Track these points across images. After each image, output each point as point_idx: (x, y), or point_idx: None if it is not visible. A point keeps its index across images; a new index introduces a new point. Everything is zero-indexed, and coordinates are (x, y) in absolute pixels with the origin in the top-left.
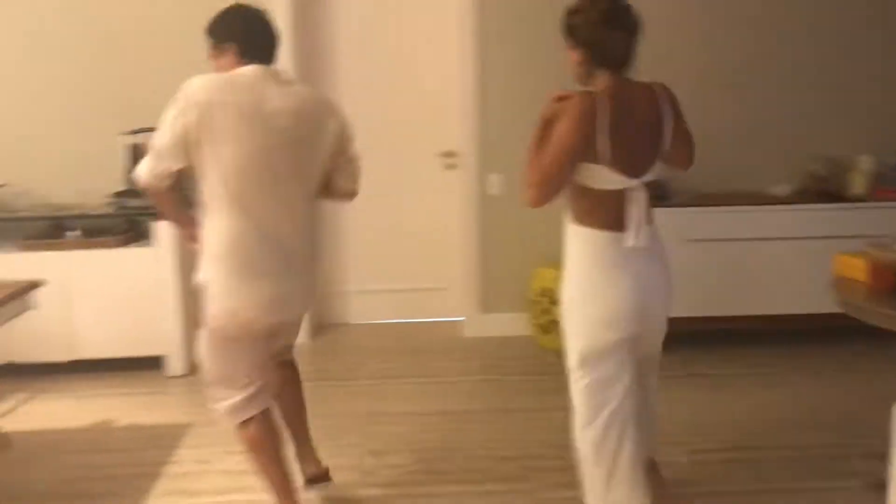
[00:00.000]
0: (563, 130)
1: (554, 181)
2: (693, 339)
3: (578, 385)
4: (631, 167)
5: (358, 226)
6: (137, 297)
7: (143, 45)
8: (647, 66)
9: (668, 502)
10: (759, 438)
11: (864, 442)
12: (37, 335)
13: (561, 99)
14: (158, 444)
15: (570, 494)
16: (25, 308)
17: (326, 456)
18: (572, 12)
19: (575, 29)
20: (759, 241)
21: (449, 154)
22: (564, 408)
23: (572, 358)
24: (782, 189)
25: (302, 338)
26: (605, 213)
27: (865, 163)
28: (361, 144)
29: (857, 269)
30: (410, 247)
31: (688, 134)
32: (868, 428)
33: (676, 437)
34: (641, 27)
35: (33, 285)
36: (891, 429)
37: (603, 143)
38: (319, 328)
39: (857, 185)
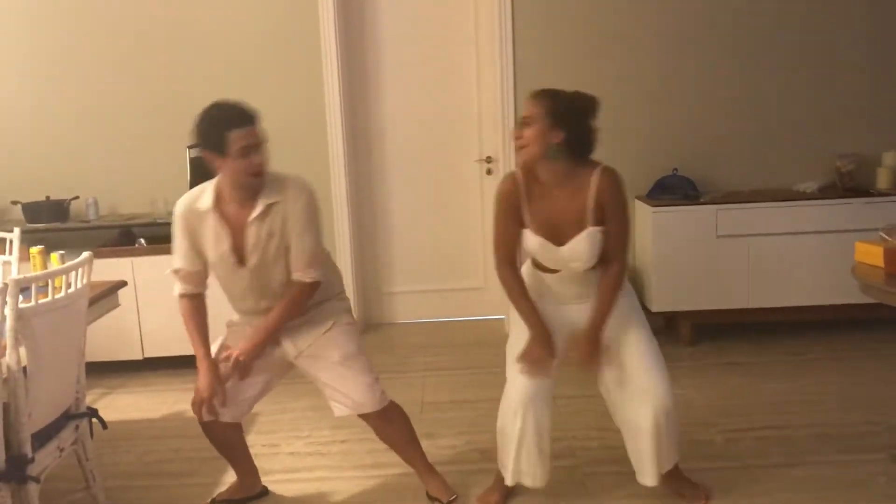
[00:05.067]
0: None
1: None
2: (726, 329)
3: None
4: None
5: (403, 230)
6: None
7: (207, 62)
8: (677, 64)
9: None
10: (788, 418)
11: (891, 420)
12: (112, 336)
13: None
14: None
15: (611, 469)
16: (115, 305)
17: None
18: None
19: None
20: (788, 236)
21: (488, 159)
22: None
23: None
24: (808, 186)
25: None
26: None
27: (890, 158)
28: (406, 153)
29: (874, 255)
30: (452, 249)
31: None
32: (893, 407)
33: (711, 420)
34: None
35: (121, 284)
36: None
37: None
38: (368, 327)
39: (883, 179)
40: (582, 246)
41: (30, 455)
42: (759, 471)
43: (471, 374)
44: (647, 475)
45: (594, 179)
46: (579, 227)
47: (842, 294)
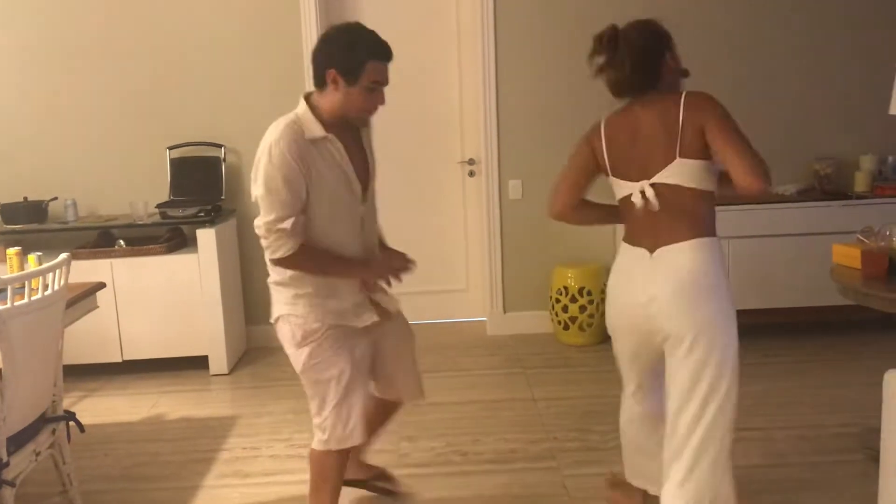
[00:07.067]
0: None
1: None
2: None
3: None
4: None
5: (385, 232)
6: (182, 301)
7: (187, 62)
8: None
9: None
10: (768, 420)
11: (869, 421)
12: (90, 338)
13: None
14: (209, 434)
15: (592, 471)
16: (93, 307)
17: None
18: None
19: None
20: (767, 238)
21: (470, 161)
22: (587, 396)
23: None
24: (787, 188)
25: None
26: None
27: (867, 162)
28: (389, 155)
29: (851, 257)
30: (434, 251)
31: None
32: (873, 409)
33: None
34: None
35: (99, 286)
36: (883, 396)
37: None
38: None
39: (860, 182)
40: None
41: (5, 459)
42: (738, 472)
43: (452, 376)
44: None
45: None
46: None
47: (820, 296)
